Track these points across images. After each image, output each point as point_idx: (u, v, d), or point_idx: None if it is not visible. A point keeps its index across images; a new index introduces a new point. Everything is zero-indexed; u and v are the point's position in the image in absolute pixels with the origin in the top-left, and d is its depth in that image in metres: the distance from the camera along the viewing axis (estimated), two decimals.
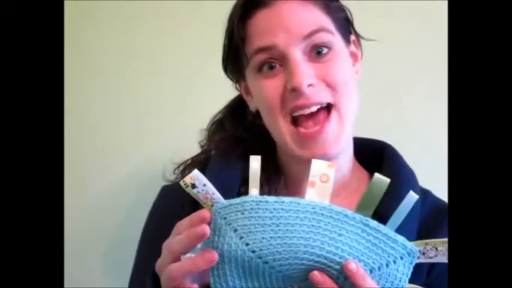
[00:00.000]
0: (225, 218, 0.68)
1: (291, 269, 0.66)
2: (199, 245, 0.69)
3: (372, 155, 0.89)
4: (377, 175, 0.68)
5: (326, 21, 0.82)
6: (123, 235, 0.95)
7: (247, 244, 0.67)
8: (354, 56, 0.87)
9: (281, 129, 0.82)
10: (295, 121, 0.81)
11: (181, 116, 1.10)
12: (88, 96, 1.16)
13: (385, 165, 0.86)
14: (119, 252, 0.91)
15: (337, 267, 0.66)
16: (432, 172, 0.89)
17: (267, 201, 0.68)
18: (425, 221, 0.81)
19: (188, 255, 0.69)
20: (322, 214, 0.67)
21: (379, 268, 0.67)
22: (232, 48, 0.85)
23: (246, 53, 0.82)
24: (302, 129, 0.80)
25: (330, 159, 0.79)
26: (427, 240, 0.68)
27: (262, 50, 0.81)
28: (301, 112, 0.80)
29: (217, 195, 0.69)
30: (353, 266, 0.65)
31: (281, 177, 0.88)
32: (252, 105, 0.88)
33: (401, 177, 0.84)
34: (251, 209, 0.67)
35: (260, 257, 0.67)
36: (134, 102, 1.16)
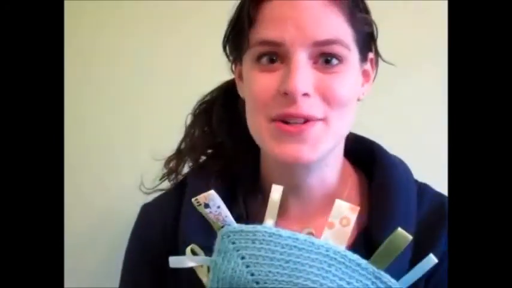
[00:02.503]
0: (234, 243, 0.66)
1: None
2: (201, 261, 0.68)
3: (362, 153, 0.87)
4: (400, 230, 0.64)
5: (345, 33, 0.74)
6: (123, 239, 0.95)
7: (252, 274, 0.65)
8: (366, 75, 0.81)
9: (261, 126, 0.76)
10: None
11: (183, 122, 1.09)
12: (87, 101, 1.16)
13: (377, 168, 0.84)
14: (120, 257, 0.91)
15: None
16: (432, 172, 0.88)
17: (280, 235, 0.66)
18: (425, 217, 0.79)
19: (191, 264, 0.68)
20: (335, 259, 0.65)
21: None
22: (237, 28, 0.78)
23: (249, 38, 0.75)
24: (282, 124, 0.74)
25: (303, 166, 0.77)
26: None
27: (267, 43, 0.74)
28: (286, 119, 0.74)
29: (229, 218, 0.67)
30: None
31: (260, 191, 0.84)
32: (241, 93, 0.82)
33: (394, 178, 0.82)
34: (263, 240, 0.66)
35: None
36: (133, 109, 1.16)
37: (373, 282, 0.65)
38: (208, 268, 0.68)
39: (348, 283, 0.64)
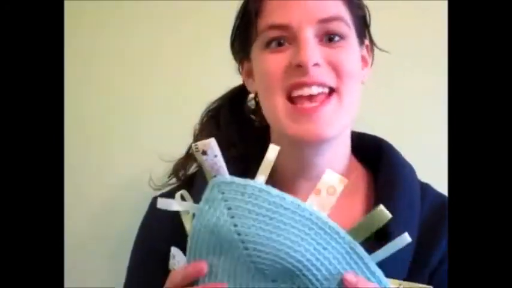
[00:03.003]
0: (223, 193, 0.68)
1: (266, 264, 0.66)
2: (188, 206, 0.69)
3: (369, 150, 0.88)
4: (381, 207, 0.66)
5: (345, 13, 0.81)
6: (123, 239, 0.95)
7: (235, 225, 0.67)
8: (364, 60, 0.86)
9: (276, 104, 0.79)
10: (292, 101, 0.79)
11: (183, 121, 1.09)
12: (87, 101, 1.16)
13: (384, 164, 0.86)
14: (120, 256, 0.91)
15: (311, 277, 0.66)
16: (432, 172, 0.89)
17: (269, 192, 0.67)
18: (427, 217, 0.80)
19: (177, 208, 0.70)
20: (316, 224, 0.66)
21: None
22: (244, 22, 0.84)
23: (257, 27, 0.81)
24: (298, 105, 0.78)
25: (320, 143, 0.79)
26: (403, 282, 0.68)
27: (275, 27, 0.79)
28: (300, 92, 0.78)
29: (223, 169, 0.69)
30: (352, 277, 0.65)
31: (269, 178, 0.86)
32: (252, 89, 0.87)
33: (401, 176, 0.83)
34: (252, 194, 0.67)
35: (243, 242, 0.66)
36: (133, 109, 1.15)
37: (347, 252, 0.66)
38: (194, 216, 0.69)
39: (324, 248, 0.66)
